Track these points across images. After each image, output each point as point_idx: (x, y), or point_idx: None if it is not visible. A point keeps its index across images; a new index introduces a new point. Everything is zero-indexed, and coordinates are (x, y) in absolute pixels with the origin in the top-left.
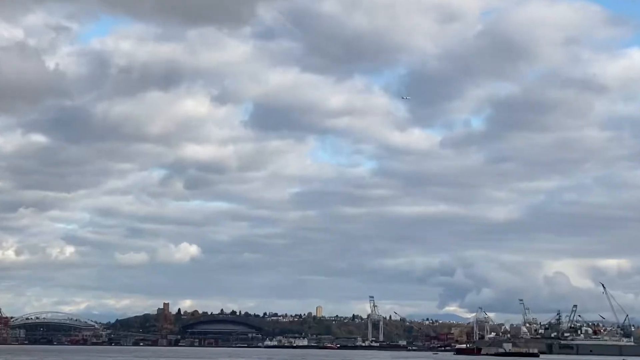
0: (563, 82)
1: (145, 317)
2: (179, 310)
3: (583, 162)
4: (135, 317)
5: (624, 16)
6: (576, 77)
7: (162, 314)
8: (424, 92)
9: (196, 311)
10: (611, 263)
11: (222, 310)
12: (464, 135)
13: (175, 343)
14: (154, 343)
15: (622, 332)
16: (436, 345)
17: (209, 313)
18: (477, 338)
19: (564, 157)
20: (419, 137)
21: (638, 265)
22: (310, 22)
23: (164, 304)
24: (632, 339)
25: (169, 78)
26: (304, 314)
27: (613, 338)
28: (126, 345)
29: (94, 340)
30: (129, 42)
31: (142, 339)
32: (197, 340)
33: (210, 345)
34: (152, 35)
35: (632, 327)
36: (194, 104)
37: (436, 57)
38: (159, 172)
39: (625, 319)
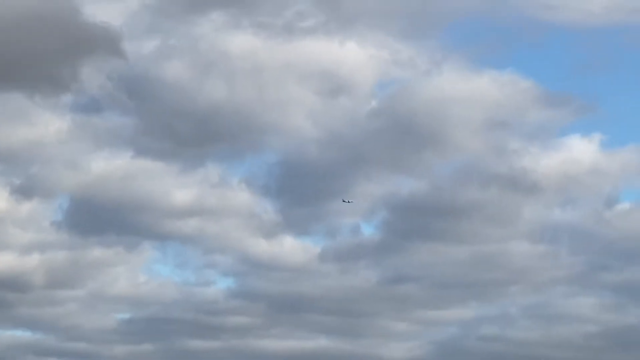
0: (483, 179)
1: None
2: None
3: (508, 285)
4: None
5: (563, 95)
6: (500, 172)
7: None
8: (300, 188)
9: None
10: None
11: None
12: (352, 246)
13: None
14: None
15: None
16: None
17: None
18: None
19: (483, 278)
20: (293, 248)
21: None
22: (149, 92)
23: None
24: None
25: None
26: None
27: None
28: None
29: None
30: None
31: None
32: None
33: None
34: None
35: None
36: None
37: (316, 141)
38: None
39: None
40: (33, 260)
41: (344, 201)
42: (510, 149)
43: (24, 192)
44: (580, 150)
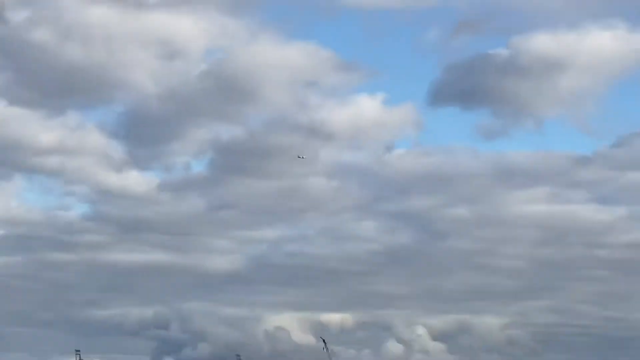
0: (289, 127)
1: None
2: None
3: (307, 211)
4: None
5: (354, 62)
6: (303, 123)
7: None
8: (143, 133)
9: None
10: (334, 317)
11: None
12: (184, 180)
13: None
14: None
15: None
16: None
17: None
18: None
19: (287, 206)
20: (136, 180)
21: (361, 320)
22: (20, 51)
23: None
24: None
25: None
26: None
27: None
28: None
29: None
30: None
31: None
32: None
33: None
34: None
35: None
36: None
37: (156, 96)
38: None
39: None
40: None
41: (298, 157)
42: (312, 104)
43: None
44: (367, 107)
